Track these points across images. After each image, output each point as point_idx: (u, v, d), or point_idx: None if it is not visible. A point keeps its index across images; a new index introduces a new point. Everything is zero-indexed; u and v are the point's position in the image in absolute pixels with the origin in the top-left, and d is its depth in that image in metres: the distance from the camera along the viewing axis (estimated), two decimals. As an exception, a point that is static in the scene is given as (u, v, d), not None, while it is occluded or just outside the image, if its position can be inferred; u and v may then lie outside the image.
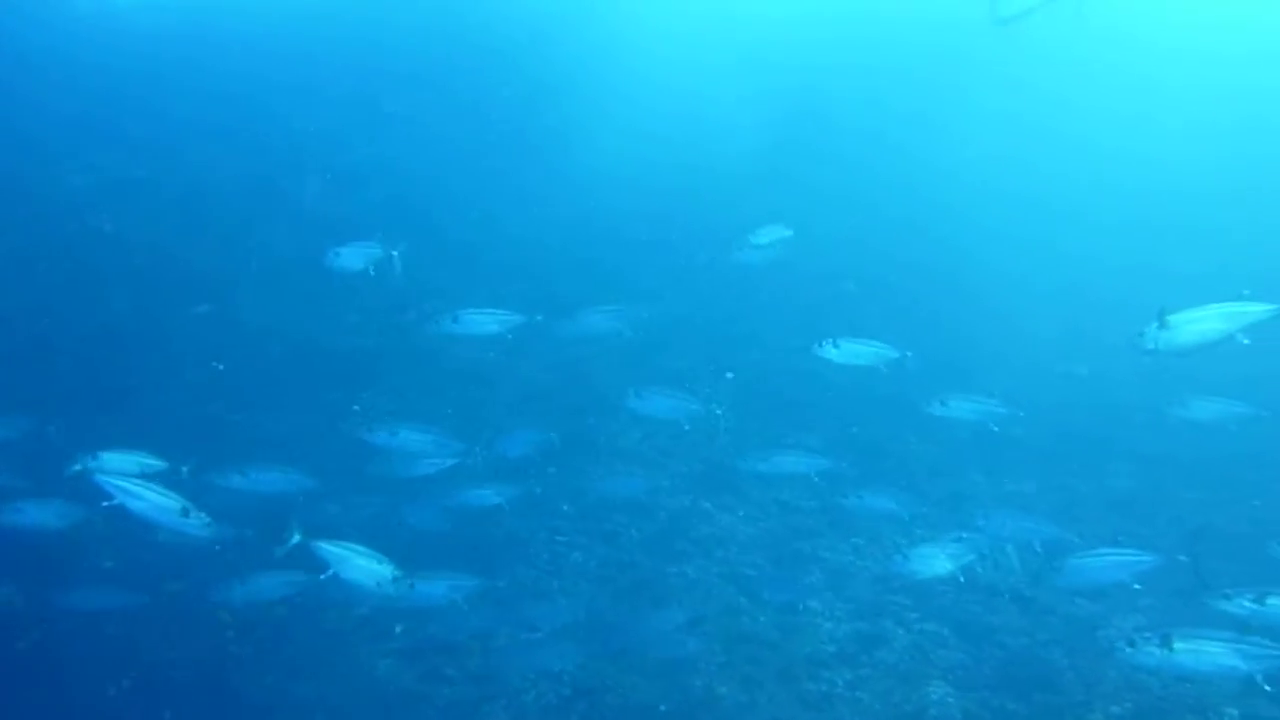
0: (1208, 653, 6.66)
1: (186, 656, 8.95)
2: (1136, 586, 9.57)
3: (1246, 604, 7.14)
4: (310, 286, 12.49)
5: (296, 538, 7.50)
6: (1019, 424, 10.46)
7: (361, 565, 7.43)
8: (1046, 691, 9.24)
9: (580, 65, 20.61)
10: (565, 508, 10.74)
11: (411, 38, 18.55)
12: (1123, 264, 16.75)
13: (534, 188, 16.88)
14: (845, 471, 10.94)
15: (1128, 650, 6.88)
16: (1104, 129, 20.42)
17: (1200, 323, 7.26)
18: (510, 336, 9.36)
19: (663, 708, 8.91)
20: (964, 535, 9.33)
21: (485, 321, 9.39)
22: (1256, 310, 7.15)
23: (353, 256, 9.48)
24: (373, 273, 9.43)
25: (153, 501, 7.20)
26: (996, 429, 10.14)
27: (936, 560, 8.91)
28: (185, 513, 7.20)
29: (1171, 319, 7.28)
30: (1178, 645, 6.65)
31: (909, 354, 9.69)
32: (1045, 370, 14.12)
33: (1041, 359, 14.53)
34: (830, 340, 9.71)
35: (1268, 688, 6.61)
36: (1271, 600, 7.03)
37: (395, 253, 9.53)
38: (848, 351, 9.73)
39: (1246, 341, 7.21)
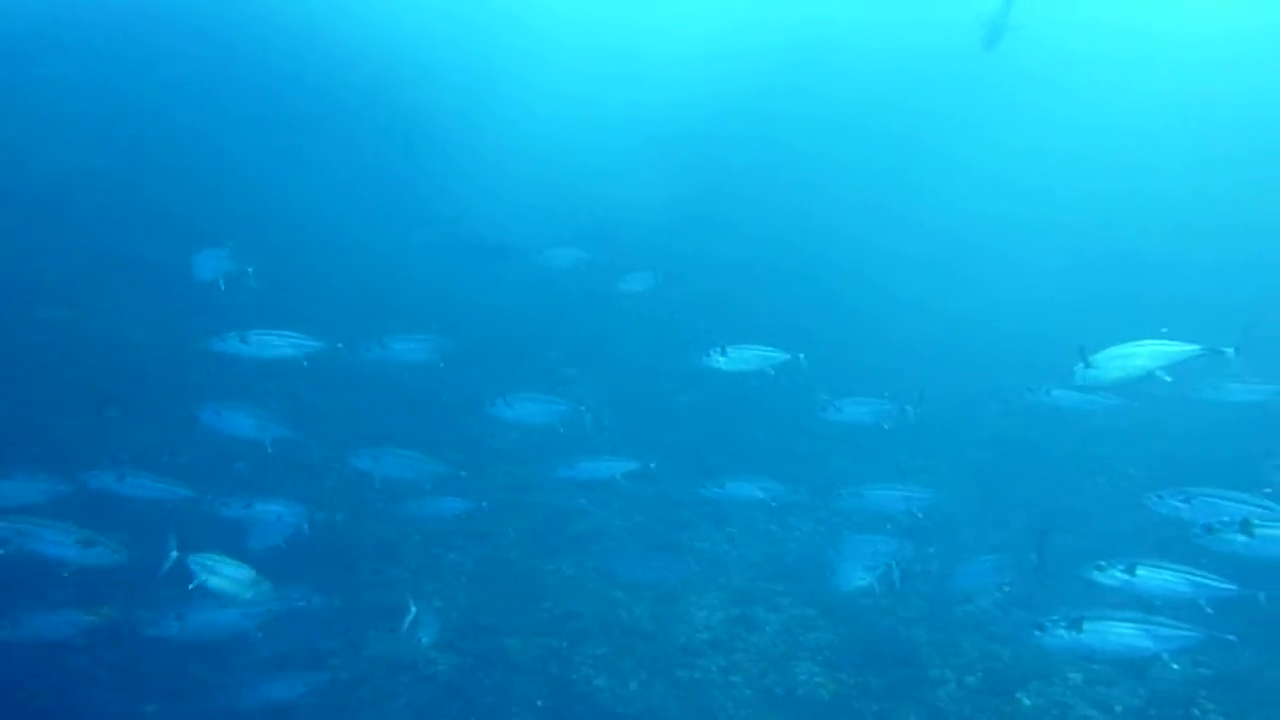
0: (1115, 633, 6.99)
1: (35, 681, 8.49)
2: (1006, 587, 10.18)
3: (1118, 575, 7.50)
4: (165, 290, 12.02)
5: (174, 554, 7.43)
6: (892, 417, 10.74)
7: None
8: (907, 666, 9.66)
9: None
10: (438, 508, 10.57)
11: (271, 74, 18.21)
12: (980, 280, 17.52)
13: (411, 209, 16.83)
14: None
15: (1037, 633, 7.16)
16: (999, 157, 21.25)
17: (1122, 360, 7.88)
18: (306, 362, 8.99)
19: (539, 703, 8.93)
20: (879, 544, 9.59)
21: (278, 344, 8.93)
22: (1175, 350, 7.74)
23: (205, 266, 9.15)
24: (223, 286, 9.10)
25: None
26: (888, 427, 10.45)
27: (856, 574, 9.14)
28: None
29: (1094, 358, 7.89)
30: (1087, 627, 6.97)
31: (801, 355, 10.04)
32: (910, 368, 14.69)
33: (906, 358, 15.17)
34: (718, 348, 9.96)
35: (1174, 666, 7.03)
36: (1140, 571, 7.42)
37: (250, 269, 9.23)
38: (735, 358, 10.02)
39: (1169, 379, 7.84)
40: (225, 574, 7.41)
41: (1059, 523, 13.13)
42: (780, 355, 10.06)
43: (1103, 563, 7.59)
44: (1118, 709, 9.10)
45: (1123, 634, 6.95)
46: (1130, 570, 7.41)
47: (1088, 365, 7.96)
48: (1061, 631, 6.99)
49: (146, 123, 15.69)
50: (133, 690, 8.43)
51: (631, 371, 15.08)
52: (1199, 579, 7.24)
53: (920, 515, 10.06)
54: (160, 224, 13.43)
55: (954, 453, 13.90)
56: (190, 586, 7.30)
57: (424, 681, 9.01)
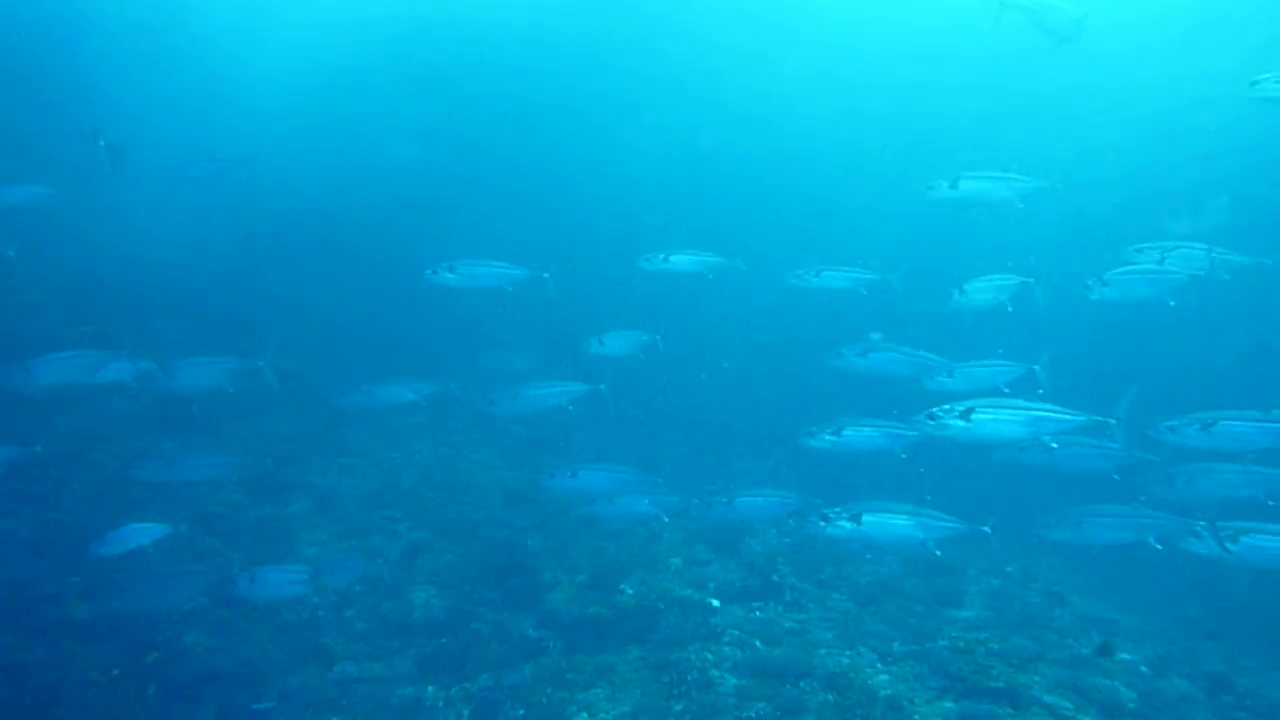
0: (891, 524, 7.62)
1: None
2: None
3: (827, 438, 8.42)
4: None
5: None
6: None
7: None
8: (523, 574, 9.78)
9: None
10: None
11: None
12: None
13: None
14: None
15: (821, 524, 7.63)
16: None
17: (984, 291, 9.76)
18: None
19: (116, 671, 7.96)
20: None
21: None
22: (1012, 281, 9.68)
23: None
24: None
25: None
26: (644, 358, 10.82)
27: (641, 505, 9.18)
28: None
29: (965, 287, 9.74)
30: (866, 519, 7.54)
31: (547, 274, 10.17)
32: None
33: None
34: (446, 264, 9.78)
35: (938, 552, 7.71)
36: (846, 431, 8.41)
37: None
38: (466, 274, 9.88)
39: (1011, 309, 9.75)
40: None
41: (681, 417, 14.00)
42: (520, 271, 10.03)
43: (813, 428, 8.48)
44: (711, 585, 9.88)
45: (897, 525, 7.64)
46: (838, 432, 8.38)
47: (961, 293, 9.72)
48: (844, 523, 7.55)
49: None
50: None
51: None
52: (894, 430, 8.31)
53: (571, 407, 10.05)
54: None
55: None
56: None
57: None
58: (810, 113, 19.23)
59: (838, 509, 7.66)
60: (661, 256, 10.91)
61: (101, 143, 11.00)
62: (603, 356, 10.48)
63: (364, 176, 16.31)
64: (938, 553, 7.75)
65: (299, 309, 13.70)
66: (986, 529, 7.70)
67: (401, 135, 17.01)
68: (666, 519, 9.50)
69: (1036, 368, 8.66)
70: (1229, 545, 7.16)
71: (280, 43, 20.27)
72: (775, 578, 10.03)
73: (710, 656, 8.40)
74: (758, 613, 9.42)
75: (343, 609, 9.29)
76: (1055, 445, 7.76)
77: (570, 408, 9.94)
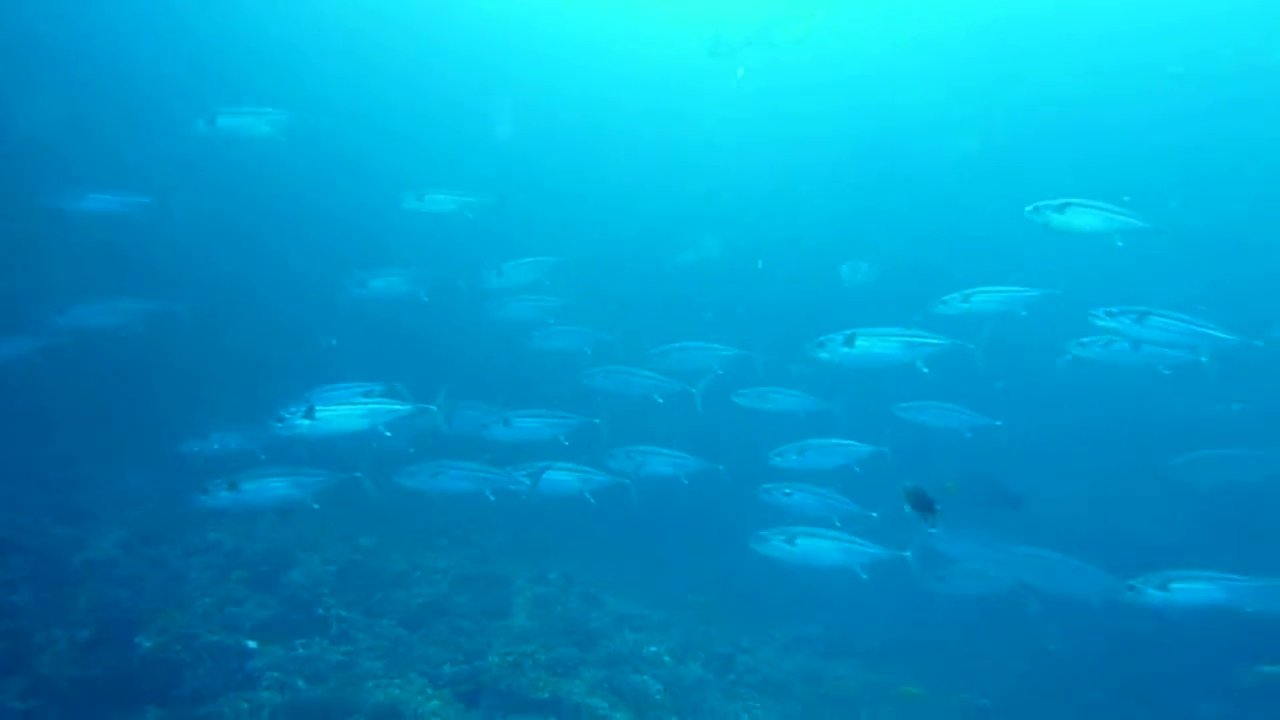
0: (270, 488, 8.09)
1: None
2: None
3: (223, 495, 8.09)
4: None
5: None
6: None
7: None
8: (4, 638, 8.11)
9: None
10: None
11: None
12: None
13: None
14: None
15: (203, 498, 7.82)
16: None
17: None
18: None
19: None
20: None
21: None
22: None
23: None
24: None
25: None
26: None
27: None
28: None
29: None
30: (244, 486, 7.89)
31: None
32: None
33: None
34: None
35: (316, 505, 8.21)
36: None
37: None
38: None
39: None
40: None
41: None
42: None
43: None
44: (246, 625, 9.03)
45: (275, 486, 8.12)
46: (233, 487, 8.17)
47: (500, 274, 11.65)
48: (224, 493, 7.83)
49: None
50: None
51: None
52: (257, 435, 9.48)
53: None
54: None
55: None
56: None
57: None
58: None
59: (218, 480, 7.91)
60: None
61: None
62: None
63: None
64: (316, 505, 8.24)
65: None
66: (411, 449, 9.06)
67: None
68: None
69: (398, 385, 9.36)
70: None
71: None
72: (320, 610, 9.46)
73: (245, 706, 7.65)
74: (301, 650, 8.78)
75: None
76: (390, 433, 8.70)
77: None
